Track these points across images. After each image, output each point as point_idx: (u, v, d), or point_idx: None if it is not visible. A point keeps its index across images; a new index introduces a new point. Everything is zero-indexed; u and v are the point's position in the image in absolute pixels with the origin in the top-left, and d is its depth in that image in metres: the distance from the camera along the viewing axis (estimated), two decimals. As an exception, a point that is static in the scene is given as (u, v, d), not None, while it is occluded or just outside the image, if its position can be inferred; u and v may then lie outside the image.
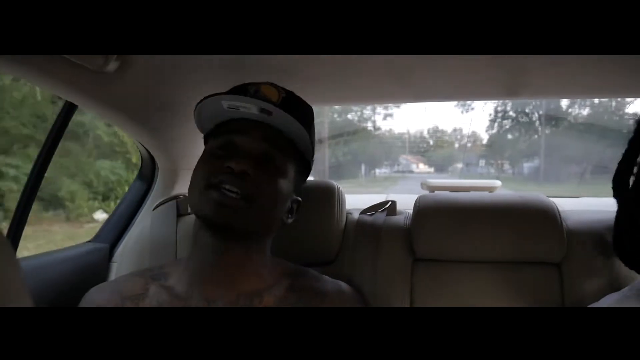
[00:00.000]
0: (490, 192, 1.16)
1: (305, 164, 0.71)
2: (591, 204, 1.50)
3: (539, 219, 0.88)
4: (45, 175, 0.92)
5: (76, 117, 0.93)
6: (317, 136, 0.77)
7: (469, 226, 0.89)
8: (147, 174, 1.16)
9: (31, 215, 0.91)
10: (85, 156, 5.33)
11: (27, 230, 0.91)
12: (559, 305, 0.86)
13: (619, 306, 0.64)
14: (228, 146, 0.65)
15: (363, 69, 0.92)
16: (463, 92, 1.09)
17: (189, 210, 0.93)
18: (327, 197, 0.90)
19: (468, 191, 1.11)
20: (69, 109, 0.89)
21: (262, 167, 0.63)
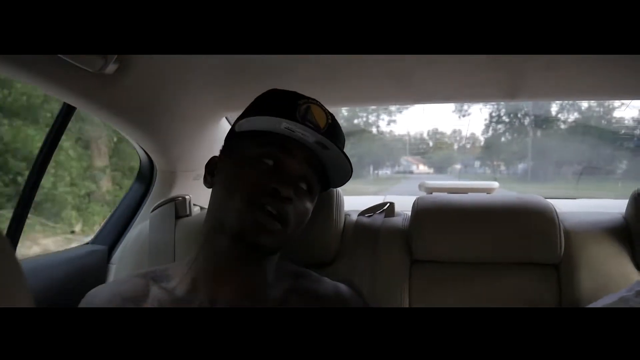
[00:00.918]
0: (488, 193, 1.17)
1: (325, 182, 0.72)
2: (588, 206, 1.49)
3: (537, 220, 0.88)
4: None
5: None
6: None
7: (467, 228, 0.89)
8: (146, 176, 1.16)
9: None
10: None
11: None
12: (557, 306, 0.86)
13: (618, 306, 0.65)
14: (275, 164, 0.63)
15: (362, 71, 0.92)
16: (462, 94, 1.09)
17: (187, 212, 0.92)
18: (326, 199, 0.90)
19: (466, 193, 1.11)
20: (67, 111, 0.89)
21: (301, 192, 0.64)
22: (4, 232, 0.92)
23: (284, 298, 0.66)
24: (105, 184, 3.33)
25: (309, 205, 0.67)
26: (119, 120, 0.91)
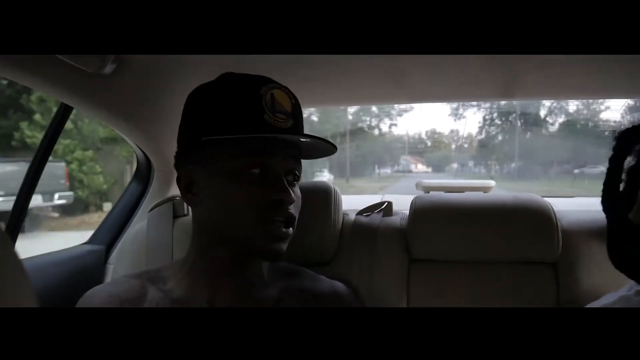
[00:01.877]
0: (484, 192, 1.17)
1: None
2: (585, 204, 1.49)
3: (535, 219, 0.88)
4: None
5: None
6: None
7: (465, 227, 0.89)
8: (143, 175, 1.16)
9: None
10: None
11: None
12: (555, 305, 0.86)
13: (618, 306, 0.65)
14: (262, 171, 0.60)
15: (357, 70, 0.92)
16: (457, 93, 1.09)
17: (185, 212, 0.92)
18: (324, 198, 0.90)
19: (462, 191, 1.11)
20: (65, 111, 0.89)
21: (293, 184, 0.64)
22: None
23: (280, 298, 0.66)
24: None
25: (298, 188, 0.67)
26: (116, 120, 0.91)
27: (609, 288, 0.72)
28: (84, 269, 1.03)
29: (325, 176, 6.80)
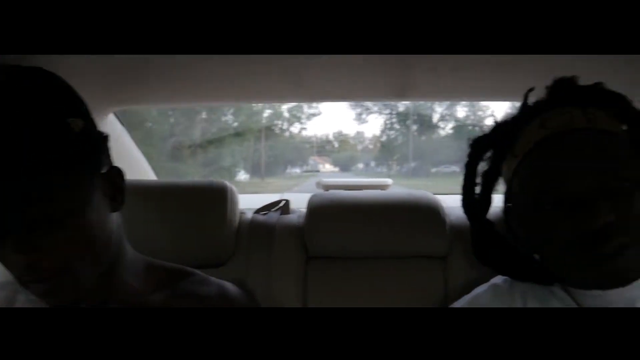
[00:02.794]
0: (383, 190, 1.21)
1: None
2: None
3: (424, 214, 0.91)
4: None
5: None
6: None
7: (360, 223, 0.91)
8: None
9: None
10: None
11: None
12: (443, 297, 0.88)
13: (489, 294, 0.69)
14: None
15: (253, 68, 0.91)
16: (355, 93, 1.11)
17: None
18: (218, 197, 0.89)
19: (362, 189, 1.13)
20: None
21: None
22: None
23: (164, 302, 0.62)
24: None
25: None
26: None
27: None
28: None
29: (242, 175, 7.06)
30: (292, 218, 0.98)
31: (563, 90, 0.63)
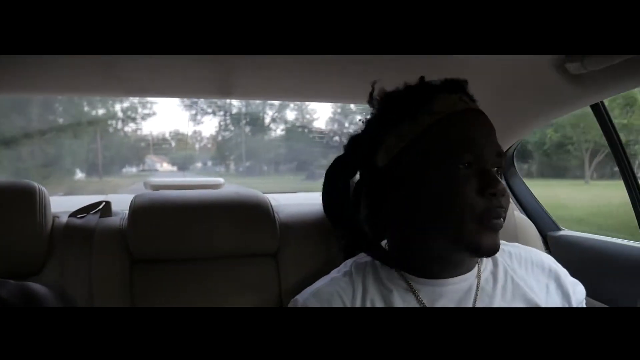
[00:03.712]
0: (215, 189, 1.20)
1: None
2: (309, 198, 1.62)
3: (254, 213, 0.91)
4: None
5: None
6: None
7: (187, 224, 0.89)
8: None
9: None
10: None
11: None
12: (277, 294, 0.88)
13: (329, 287, 0.68)
14: None
15: (68, 60, 0.83)
16: (176, 89, 1.10)
17: None
18: (25, 199, 0.83)
19: (193, 189, 1.09)
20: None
21: None
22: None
23: None
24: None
25: None
26: None
27: (324, 273, 0.74)
28: None
29: (78, 175, 6.83)
30: (114, 220, 0.93)
31: (426, 85, 0.67)
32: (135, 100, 7.46)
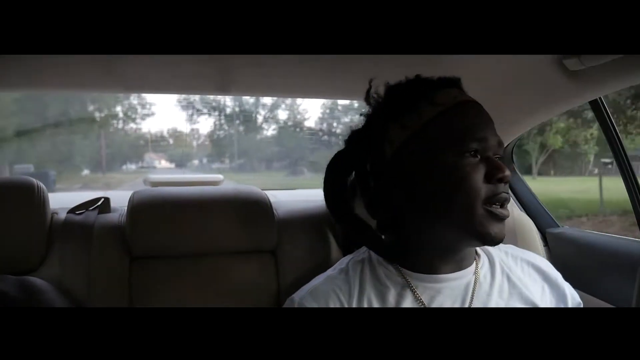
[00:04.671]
0: (214, 185, 1.20)
1: None
2: (305, 195, 1.63)
3: (253, 209, 0.91)
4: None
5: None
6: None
7: (186, 221, 0.88)
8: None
9: None
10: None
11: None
12: (276, 291, 0.87)
13: (325, 286, 0.68)
14: None
15: (68, 57, 0.82)
16: (174, 85, 1.10)
17: None
18: (24, 195, 0.82)
19: (192, 186, 1.08)
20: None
21: None
22: None
23: None
24: None
25: None
26: None
27: (322, 270, 0.74)
28: None
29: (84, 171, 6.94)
30: (112, 217, 0.92)
31: (424, 80, 0.68)
32: (135, 101, 7.57)
